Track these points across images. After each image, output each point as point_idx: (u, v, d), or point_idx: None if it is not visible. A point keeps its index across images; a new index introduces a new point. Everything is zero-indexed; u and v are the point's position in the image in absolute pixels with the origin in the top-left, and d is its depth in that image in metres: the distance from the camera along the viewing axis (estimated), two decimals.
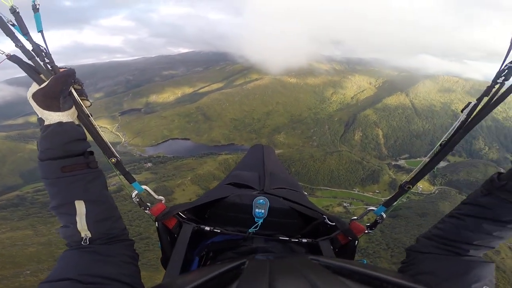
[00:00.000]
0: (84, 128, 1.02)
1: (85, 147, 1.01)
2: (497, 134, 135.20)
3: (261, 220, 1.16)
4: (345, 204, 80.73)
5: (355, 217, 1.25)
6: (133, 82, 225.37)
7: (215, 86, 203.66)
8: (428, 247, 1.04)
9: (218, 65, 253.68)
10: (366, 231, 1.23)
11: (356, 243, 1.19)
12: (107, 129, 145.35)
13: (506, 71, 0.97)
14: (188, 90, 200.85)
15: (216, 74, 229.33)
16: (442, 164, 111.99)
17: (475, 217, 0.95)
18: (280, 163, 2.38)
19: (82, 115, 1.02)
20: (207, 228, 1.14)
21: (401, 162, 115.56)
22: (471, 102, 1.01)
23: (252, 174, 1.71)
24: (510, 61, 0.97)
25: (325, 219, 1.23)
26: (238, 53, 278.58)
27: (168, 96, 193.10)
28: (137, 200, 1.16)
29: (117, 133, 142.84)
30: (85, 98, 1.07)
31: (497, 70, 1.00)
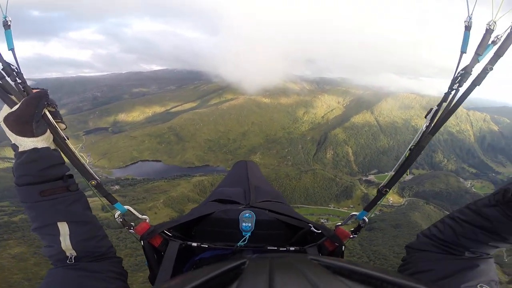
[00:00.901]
0: (60, 152, 1.01)
1: (63, 171, 1.01)
2: (453, 147, 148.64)
3: (248, 234, 1.19)
4: (322, 220, 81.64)
5: (339, 223, 1.31)
6: (100, 99, 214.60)
7: (188, 105, 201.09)
8: (427, 245, 1.09)
9: (192, 84, 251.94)
10: (351, 236, 1.30)
11: (343, 249, 1.26)
12: None
13: (459, 77, 1.10)
14: (159, 109, 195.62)
15: (189, 93, 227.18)
16: (408, 177, 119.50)
17: (474, 225, 0.96)
18: (264, 178, 2.43)
19: (58, 139, 1.01)
20: (194, 244, 1.16)
21: (371, 177, 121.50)
22: (432, 108, 1.13)
23: (237, 189, 1.72)
24: (461, 68, 1.10)
25: (311, 227, 1.28)
26: (213, 72, 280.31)
27: (138, 115, 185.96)
28: (121, 220, 1.18)
29: (81, 154, 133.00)
30: (60, 120, 1.06)
31: (452, 77, 1.12)
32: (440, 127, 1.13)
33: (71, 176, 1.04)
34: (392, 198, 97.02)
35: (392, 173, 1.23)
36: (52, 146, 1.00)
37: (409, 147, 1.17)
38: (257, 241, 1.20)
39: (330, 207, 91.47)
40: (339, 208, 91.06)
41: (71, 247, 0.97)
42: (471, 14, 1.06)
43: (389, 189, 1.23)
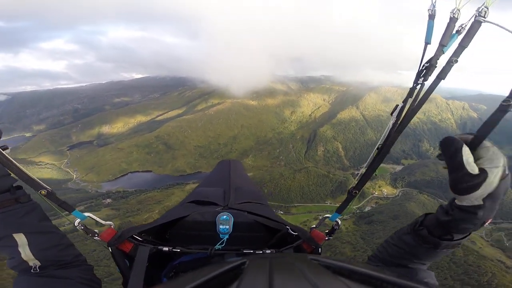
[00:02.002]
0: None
1: (9, 183, 0.99)
2: (437, 135, 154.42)
3: (226, 236, 1.17)
4: (320, 217, 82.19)
5: (314, 226, 1.33)
6: (82, 111, 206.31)
7: (174, 112, 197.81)
8: (377, 263, 1.21)
9: (176, 91, 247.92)
10: (326, 238, 1.30)
11: (319, 250, 1.27)
12: (54, 165, 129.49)
13: (424, 71, 1.05)
14: (144, 118, 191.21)
15: (174, 100, 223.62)
16: (398, 168, 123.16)
17: (399, 248, 1.11)
18: (247, 177, 2.39)
19: None
20: (165, 249, 1.13)
21: (363, 170, 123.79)
22: (398, 105, 1.09)
23: (216, 190, 1.69)
24: (426, 61, 1.05)
25: (288, 229, 1.28)
26: (197, 78, 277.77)
27: (123, 125, 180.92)
28: (82, 228, 1.14)
29: (67, 169, 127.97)
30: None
31: (416, 72, 1.07)
32: (407, 124, 1.09)
33: (19, 187, 1.02)
34: (386, 189, 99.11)
35: (360, 174, 1.21)
36: None
37: (376, 146, 1.14)
38: (235, 243, 1.19)
39: (327, 203, 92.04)
40: (335, 204, 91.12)
41: (32, 256, 0.96)
42: (435, 2, 1.01)
43: (359, 191, 1.22)
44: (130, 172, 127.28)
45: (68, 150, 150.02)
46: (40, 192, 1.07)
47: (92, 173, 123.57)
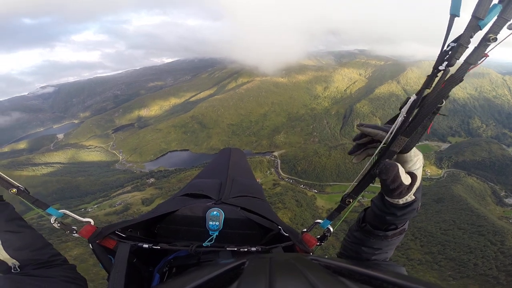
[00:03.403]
0: None
1: None
2: (491, 112, 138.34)
3: (216, 233, 1.13)
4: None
5: (305, 229, 1.23)
6: (121, 97, 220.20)
7: (206, 93, 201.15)
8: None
9: (205, 72, 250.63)
10: (317, 244, 1.21)
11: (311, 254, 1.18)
12: (102, 148, 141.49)
13: (450, 53, 0.78)
14: (179, 100, 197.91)
15: (205, 81, 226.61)
16: (444, 146, 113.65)
17: (355, 244, 1.14)
18: (248, 167, 2.30)
19: None
20: (145, 246, 1.09)
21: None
22: (409, 98, 0.85)
23: (213, 181, 1.63)
24: (453, 40, 0.77)
25: (280, 230, 1.21)
26: (225, 58, 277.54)
27: (160, 107, 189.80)
28: (58, 225, 1.10)
29: (114, 151, 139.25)
30: None
31: (438, 54, 0.81)
32: (420, 124, 0.81)
33: None
34: (429, 170, 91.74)
35: (356, 180, 1.05)
36: None
37: (378, 149, 0.94)
38: (226, 240, 1.15)
39: None
40: (373, 184, 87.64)
41: (8, 256, 0.95)
42: None
43: (353, 200, 1.07)
44: (169, 152, 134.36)
45: (112, 133, 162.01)
46: (10, 191, 1.03)
47: (135, 154, 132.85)
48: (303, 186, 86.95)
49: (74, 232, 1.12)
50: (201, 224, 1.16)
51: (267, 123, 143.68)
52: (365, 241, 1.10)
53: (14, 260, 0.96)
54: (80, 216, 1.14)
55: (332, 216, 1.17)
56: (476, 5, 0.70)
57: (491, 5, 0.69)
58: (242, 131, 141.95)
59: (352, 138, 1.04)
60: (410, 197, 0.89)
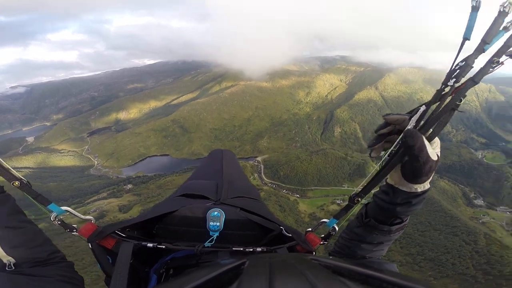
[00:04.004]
0: None
1: None
2: (460, 117, 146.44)
3: (216, 234, 1.13)
4: (338, 202, 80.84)
5: (310, 229, 1.27)
6: (98, 98, 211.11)
7: (188, 96, 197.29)
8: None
9: (188, 75, 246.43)
10: (321, 243, 1.25)
11: (313, 254, 1.21)
12: (76, 152, 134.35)
13: (458, 71, 0.89)
14: (159, 103, 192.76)
15: (188, 84, 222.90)
16: None
17: (355, 241, 1.16)
18: (241, 170, 2.29)
19: None
20: (150, 245, 1.08)
21: (382, 153, 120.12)
22: (420, 107, 0.95)
23: (209, 182, 1.62)
24: (462, 59, 0.90)
25: (282, 230, 1.23)
26: (208, 61, 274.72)
27: (139, 110, 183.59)
28: (58, 222, 1.08)
29: (88, 155, 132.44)
30: None
31: (448, 71, 0.92)
32: (429, 129, 0.92)
33: None
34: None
35: (366, 181, 1.10)
36: None
37: (387, 153, 1.02)
38: (226, 241, 1.13)
39: (344, 187, 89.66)
40: (353, 188, 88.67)
41: (4, 253, 0.90)
42: None
43: (361, 199, 1.13)
44: (149, 157, 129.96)
45: (88, 136, 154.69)
46: (12, 184, 1.01)
47: (112, 159, 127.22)
48: (286, 191, 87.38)
49: (74, 230, 1.10)
50: (200, 224, 1.15)
51: (250, 128, 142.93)
52: (366, 237, 1.12)
53: (10, 258, 0.91)
54: (82, 214, 1.12)
55: (339, 215, 1.20)
56: (486, 31, 0.83)
57: (498, 32, 0.83)
58: (225, 136, 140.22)
59: (375, 129, 1.07)
60: (427, 184, 0.93)
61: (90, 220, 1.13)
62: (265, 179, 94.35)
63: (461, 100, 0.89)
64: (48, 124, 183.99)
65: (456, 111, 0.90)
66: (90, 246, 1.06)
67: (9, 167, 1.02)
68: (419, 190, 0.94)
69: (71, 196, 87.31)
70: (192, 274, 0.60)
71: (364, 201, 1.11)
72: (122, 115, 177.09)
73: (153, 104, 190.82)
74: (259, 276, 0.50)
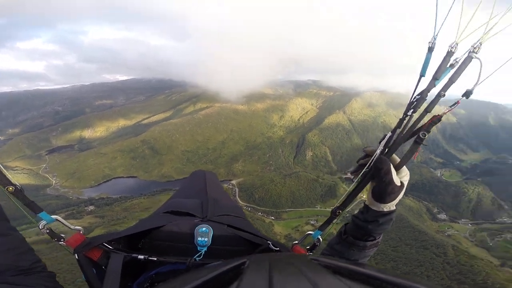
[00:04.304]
0: None
1: None
2: None
3: (204, 249, 1.14)
4: (312, 222, 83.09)
5: (296, 241, 1.34)
6: (62, 113, 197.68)
7: (160, 116, 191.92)
8: None
9: (162, 94, 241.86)
10: (307, 254, 1.31)
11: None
12: (32, 170, 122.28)
13: (415, 103, 1.11)
14: (129, 121, 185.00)
15: (161, 103, 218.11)
16: None
17: (335, 256, 1.24)
18: (223, 189, 2.33)
19: None
20: (141, 257, 1.08)
21: (350, 175, 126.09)
22: (386, 134, 1.14)
23: (194, 201, 1.64)
24: (418, 93, 1.10)
25: (270, 244, 1.27)
26: (184, 80, 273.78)
27: (107, 129, 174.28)
28: (47, 231, 1.06)
29: (46, 175, 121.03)
30: None
31: (407, 103, 1.14)
32: (394, 152, 1.14)
33: None
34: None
35: (345, 196, 1.29)
36: None
37: (362, 171, 1.19)
38: (214, 256, 1.15)
39: (317, 207, 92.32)
40: (325, 208, 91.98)
41: None
42: (436, 35, 1.02)
43: (342, 211, 1.30)
44: (114, 178, 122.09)
45: (46, 154, 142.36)
46: (7, 189, 1.00)
47: (73, 179, 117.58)
48: (261, 213, 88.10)
49: (62, 240, 1.08)
50: (187, 240, 1.16)
51: (225, 151, 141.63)
52: (345, 253, 1.23)
53: None
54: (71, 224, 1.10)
55: (322, 227, 1.34)
56: (437, 69, 1.04)
57: (445, 69, 1.04)
58: (198, 159, 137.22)
59: (356, 160, 1.26)
60: (393, 206, 1.10)
61: (79, 230, 1.12)
62: (240, 202, 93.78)
63: (425, 135, 1.08)
64: (1, 138, 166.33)
65: (421, 144, 1.09)
66: (76, 257, 1.05)
67: (6, 172, 1.01)
68: (385, 209, 1.10)
69: (23, 215, 77.52)
70: (193, 274, 0.60)
71: (343, 216, 1.25)
72: (87, 133, 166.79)
73: (122, 122, 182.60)
74: (259, 276, 0.50)
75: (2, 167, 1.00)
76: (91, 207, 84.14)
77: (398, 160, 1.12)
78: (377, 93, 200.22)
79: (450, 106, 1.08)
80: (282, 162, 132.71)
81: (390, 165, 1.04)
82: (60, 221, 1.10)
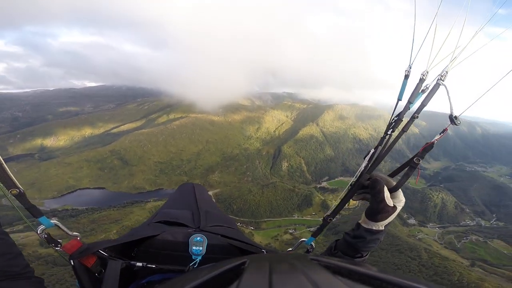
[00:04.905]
0: None
1: None
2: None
3: (199, 258, 1.16)
4: (290, 231, 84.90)
5: (290, 249, 1.41)
6: (22, 120, 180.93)
7: (131, 125, 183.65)
8: None
9: (133, 102, 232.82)
10: (307, 254, 1.34)
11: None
12: None
13: (393, 124, 1.25)
14: (97, 130, 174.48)
15: (132, 112, 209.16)
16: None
17: None
18: (213, 201, 2.42)
19: None
20: (139, 264, 1.09)
21: (324, 184, 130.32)
22: (370, 151, 1.28)
23: (185, 211, 1.67)
24: (396, 115, 1.23)
25: (264, 252, 1.32)
26: (157, 89, 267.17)
27: (72, 137, 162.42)
28: (45, 236, 1.07)
29: (1, 184, 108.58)
30: None
31: (388, 123, 1.29)
32: (377, 166, 1.27)
33: None
34: (342, 194, 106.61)
35: (335, 205, 1.41)
36: None
37: (349, 183, 1.32)
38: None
39: (295, 216, 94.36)
40: (303, 217, 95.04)
41: None
42: (412, 64, 1.15)
43: (333, 218, 1.42)
44: (80, 189, 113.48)
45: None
46: (11, 191, 0.99)
47: (32, 189, 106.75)
48: (240, 224, 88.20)
49: (59, 246, 1.08)
50: (182, 249, 1.17)
51: (200, 162, 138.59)
52: None
53: None
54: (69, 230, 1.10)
55: (316, 233, 1.45)
56: (411, 93, 1.20)
57: (417, 94, 1.20)
58: (172, 170, 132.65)
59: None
60: (381, 226, 1.17)
61: (77, 236, 1.12)
62: None
63: (419, 160, 1.17)
64: None
65: (415, 168, 1.19)
66: (71, 263, 1.05)
67: (12, 175, 1.01)
68: (374, 228, 1.17)
69: (27, 216, 70.18)
70: (193, 273, 0.62)
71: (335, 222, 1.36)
72: (49, 142, 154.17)
73: (89, 131, 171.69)
74: (259, 276, 0.50)
75: (8, 170, 0.99)
76: (54, 219, 77.36)
77: (394, 183, 1.19)
78: (347, 106, 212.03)
79: (440, 133, 1.16)
80: (259, 173, 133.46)
81: (383, 185, 1.12)
82: (59, 226, 1.11)
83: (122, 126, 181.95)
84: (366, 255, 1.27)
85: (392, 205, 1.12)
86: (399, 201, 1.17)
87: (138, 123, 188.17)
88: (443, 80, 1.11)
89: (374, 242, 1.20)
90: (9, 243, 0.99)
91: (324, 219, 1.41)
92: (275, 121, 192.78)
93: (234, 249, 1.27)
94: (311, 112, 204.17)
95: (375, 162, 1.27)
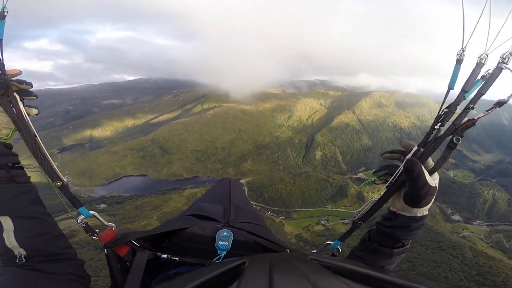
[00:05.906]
0: (25, 142, 0.94)
1: (6, 161, 0.94)
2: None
3: (224, 252, 1.17)
4: (323, 222, 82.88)
5: (315, 251, 1.36)
6: (73, 113, 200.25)
7: (169, 115, 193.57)
8: None
9: (169, 93, 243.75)
10: (308, 254, 1.20)
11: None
12: None
13: (443, 116, 1.07)
14: (138, 121, 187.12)
15: (169, 103, 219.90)
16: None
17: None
18: (247, 199, 2.41)
19: (20, 125, 0.94)
20: (164, 256, 1.12)
21: (360, 175, 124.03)
22: (413, 148, 1.10)
23: (217, 206, 1.70)
24: (446, 106, 1.06)
25: (288, 252, 1.29)
26: (191, 80, 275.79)
27: (117, 128, 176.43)
28: (84, 225, 1.12)
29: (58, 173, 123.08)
30: (32, 105, 0.98)
31: (435, 116, 1.10)
32: (425, 161, 1.11)
33: (16, 166, 0.98)
34: (376, 195, 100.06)
35: (367, 207, 1.24)
36: (9, 134, 0.94)
37: (386, 185, 1.15)
38: None
39: (328, 207, 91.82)
40: (336, 208, 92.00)
41: (17, 244, 0.89)
42: (465, 47, 0.98)
43: (363, 223, 1.26)
44: (125, 176, 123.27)
45: (58, 153, 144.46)
46: (55, 183, 1.04)
47: (84, 177, 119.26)
48: (271, 213, 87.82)
49: (95, 235, 1.13)
50: (209, 243, 1.19)
51: (233, 150, 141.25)
52: (368, 260, 1.19)
53: (21, 249, 0.90)
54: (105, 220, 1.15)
55: (343, 237, 1.34)
56: (466, 81, 1.00)
57: (475, 80, 0.99)
58: (207, 158, 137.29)
59: (381, 153, 1.23)
60: (426, 210, 1.06)
61: (112, 227, 1.17)
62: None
63: (458, 140, 1.03)
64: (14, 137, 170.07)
65: (454, 149, 1.04)
66: (105, 252, 1.09)
67: (56, 168, 1.06)
68: (418, 214, 1.05)
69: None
70: (193, 273, 0.61)
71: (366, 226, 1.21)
72: (97, 132, 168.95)
73: (130, 122, 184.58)
74: (259, 276, 0.50)
75: (53, 164, 1.04)
76: (103, 205, 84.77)
77: (432, 164, 1.10)
78: (386, 93, 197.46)
79: (487, 110, 1.01)
80: (291, 161, 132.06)
81: (421, 167, 1.00)
82: (96, 217, 1.15)
83: (160, 117, 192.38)
84: (407, 244, 1.18)
85: (435, 185, 1.03)
86: (436, 178, 1.08)
87: (175, 113, 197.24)
88: (506, 64, 0.93)
89: (419, 229, 1.11)
90: (49, 224, 1.02)
91: (353, 223, 1.29)
92: (308, 109, 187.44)
93: (258, 246, 1.26)
94: (346, 99, 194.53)
95: (424, 154, 1.10)
